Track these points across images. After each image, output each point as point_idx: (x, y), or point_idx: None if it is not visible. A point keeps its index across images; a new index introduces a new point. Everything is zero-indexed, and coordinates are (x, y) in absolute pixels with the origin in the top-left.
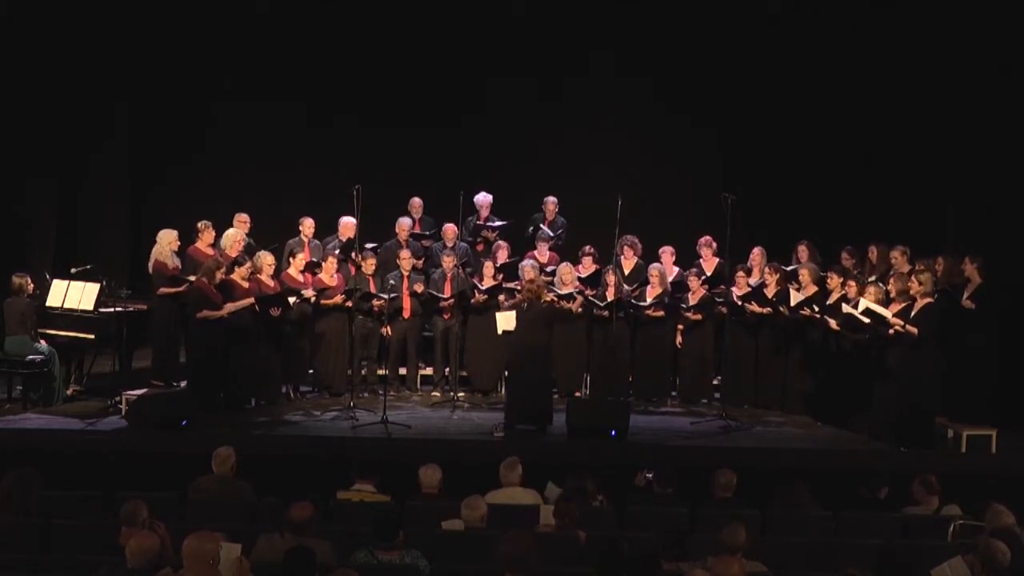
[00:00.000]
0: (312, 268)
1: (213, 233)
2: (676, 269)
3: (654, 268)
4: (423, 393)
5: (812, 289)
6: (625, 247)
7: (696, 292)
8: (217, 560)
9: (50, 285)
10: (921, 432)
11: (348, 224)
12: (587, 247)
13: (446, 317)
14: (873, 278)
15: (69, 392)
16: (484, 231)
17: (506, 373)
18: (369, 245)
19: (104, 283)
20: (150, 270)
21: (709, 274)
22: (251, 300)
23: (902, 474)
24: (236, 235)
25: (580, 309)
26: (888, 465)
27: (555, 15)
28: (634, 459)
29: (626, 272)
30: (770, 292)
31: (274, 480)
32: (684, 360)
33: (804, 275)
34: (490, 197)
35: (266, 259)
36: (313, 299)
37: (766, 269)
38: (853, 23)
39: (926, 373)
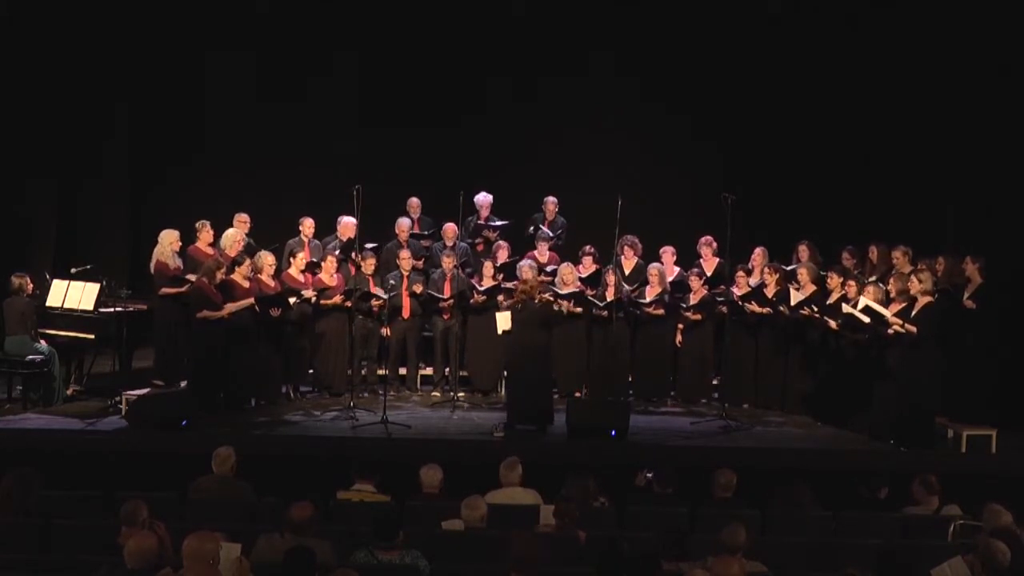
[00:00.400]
0: (312, 268)
1: (212, 232)
2: (676, 269)
3: (653, 267)
4: (423, 393)
5: (811, 288)
6: (625, 247)
7: (697, 292)
8: (217, 560)
9: (50, 285)
10: (921, 432)
11: (348, 224)
12: (587, 247)
13: (446, 317)
14: (874, 278)
15: (69, 392)
16: (485, 231)
17: (505, 374)
18: (369, 245)
19: (104, 283)
20: (151, 270)
21: (709, 274)
22: (251, 300)
23: (902, 474)
24: (236, 235)
25: (576, 309)
26: (888, 465)
27: (555, 15)
28: (634, 459)
29: (626, 272)
30: (770, 292)
31: (274, 480)
32: (684, 360)
33: (803, 274)
34: (490, 197)
35: (267, 259)
36: (313, 299)
37: (765, 269)
38: (853, 23)
39: (926, 373)
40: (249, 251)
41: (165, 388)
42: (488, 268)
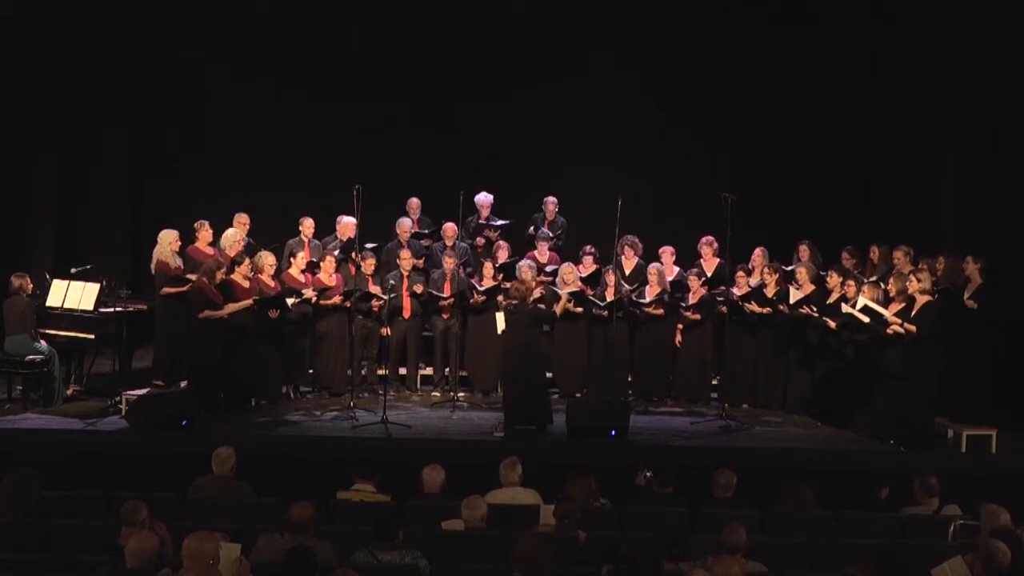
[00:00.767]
0: (312, 268)
1: (210, 232)
2: (676, 269)
3: (653, 267)
4: (423, 393)
5: (810, 288)
6: (625, 247)
7: (696, 292)
8: (217, 560)
9: (50, 285)
10: (921, 432)
11: (348, 224)
12: (588, 247)
13: (445, 317)
14: (874, 278)
15: (69, 392)
16: (486, 231)
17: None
18: (369, 245)
19: (104, 283)
20: (152, 270)
21: (710, 274)
22: (251, 301)
23: (902, 474)
24: (236, 235)
25: (576, 309)
26: (888, 465)
27: (555, 15)
28: (634, 459)
29: (626, 272)
30: (770, 292)
31: (274, 480)
32: (684, 360)
33: (802, 274)
34: (490, 197)
35: (267, 259)
36: (313, 299)
37: (765, 269)
38: (853, 22)
39: (926, 373)
40: (249, 251)
41: (165, 388)
42: (488, 268)
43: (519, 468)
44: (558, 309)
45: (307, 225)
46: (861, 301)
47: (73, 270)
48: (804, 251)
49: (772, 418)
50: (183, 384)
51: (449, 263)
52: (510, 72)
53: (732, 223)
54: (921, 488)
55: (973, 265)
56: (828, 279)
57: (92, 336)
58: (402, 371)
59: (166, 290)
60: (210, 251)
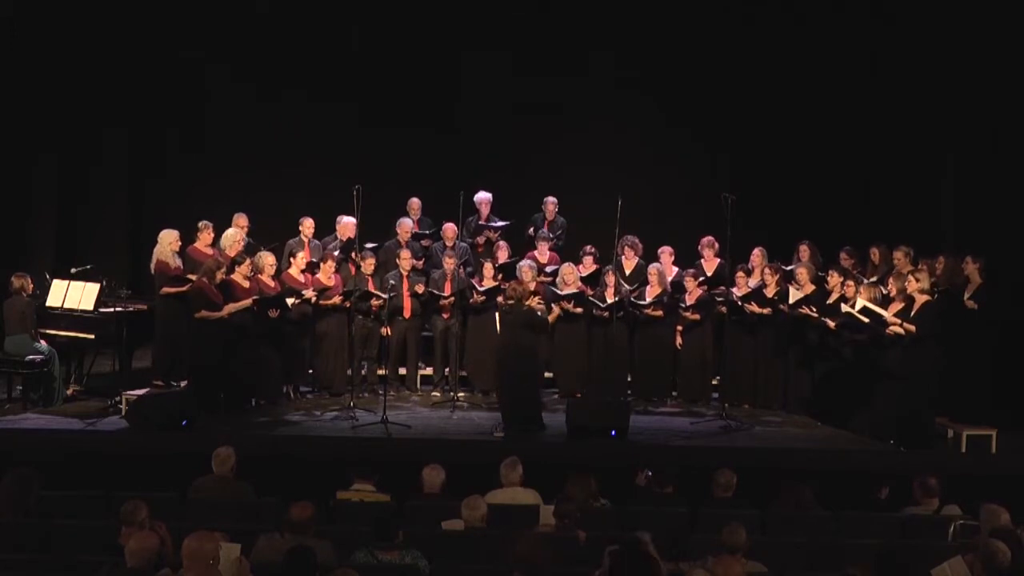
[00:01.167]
0: (313, 268)
1: (212, 235)
2: (675, 269)
3: (653, 268)
4: (423, 393)
5: (810, 288)
6: (626, 247)
7: (693, 292)
8: (217, 560)
9: (50, 285)
10: (921, 432)
11: (348, 224)
12: (588, 247)
13: (446, 316)
14: (874, 279)
15: (69, 392)
16: (486, 231)
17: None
18: (369, 245)
19: (104, 283)
20: (152, 270)
21: (710, 274)
22: (251, 301)
23: (902, 474)
24: (236, 235)
25: (577, 309)
26: (888, 465)
27: (555, 15)
28: (634, 459)
29: (627, 272)
30: (770, 292)
31: (274, 480)
32: (684, 360)
33: (802, 274)
34: (490, 196)
35: (267, 259)
36: (313, 300)
37: (766, 269)
38: (853, 22)
39: (926, 373)
40: (249, 251)
41: (165, 388)
42: (488, 268)
43: (520, 468)
44: (551, 318)
45: (307, 225)
46: (860, 302)
47: (73, 270)
48: (804, 251)
49: (772, 418)
50: (183, 384)
51: (449, 263)
52: (510, 72)
53: (732, 223)
54: (921, 488)
55: (972, 265)
56: (828, 279)
57: (92, 336)
58: (402, 371)
59: (166, 290)
60: (210, 251)
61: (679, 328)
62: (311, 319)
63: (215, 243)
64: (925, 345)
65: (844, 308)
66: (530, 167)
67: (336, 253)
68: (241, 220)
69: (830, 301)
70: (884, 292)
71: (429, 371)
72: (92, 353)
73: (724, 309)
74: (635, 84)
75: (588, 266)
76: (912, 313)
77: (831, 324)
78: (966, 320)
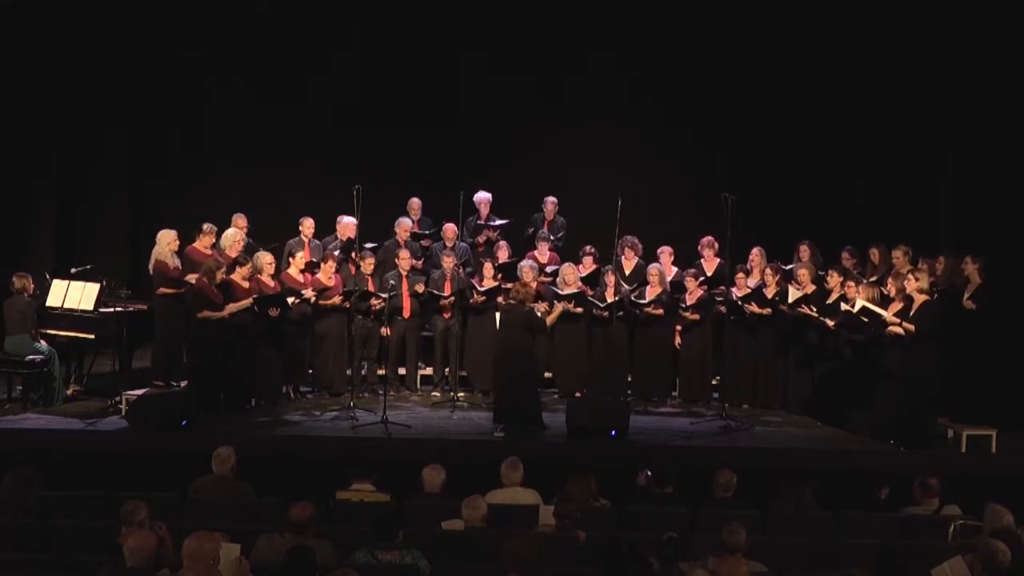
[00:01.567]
0: (312, 268)
1: (214, 239)
2: (675, 269)
3: (653, 268)
4: (423, 393)
5: (810, 288)
6: (626, 248)
7: (693, 292)
8: (217, 560)
9: (50, 285)
10: (921, 432)
11: (348, 224)
12: (588, 247)
13: (446, 316)
14: (874, 279)
15: (69, 392)
16: (486, 230)
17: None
18: (368, 245)
19: (104, 283)
20: (151, 270)
21: (710, 275)
22: (252, 301)
23: (902, 474)
24: (236, 235)
25: (577, 309)
26: (888, 465)
27: (555, 15)
28: (634, 459)
29: (627, 272)
30: (770, 292)
31: (274, 480)
32: (684, 360)
33: (803, 274)
34: (490, 196)
35: (265, 259)
36: (313, 300)
37: (766, 269)
38: (853, 22)
39: (926, 373)
40: (249, 251)
41: (165, 388)
42: (488, 269)
43: (521, 468)
44: (549, 320)
45: (307, 225)
46: (859, 303)
47: (73, 270)
48: (804, 251)
49: (772, 418)
50: (183, 384)
51: (448, 262)
52: (510, 72)
53: (732, 223)
54: (921, 489)
55: (972, 265)
56: (828, 279)
57: (92, 336)
58: (401, 371)
59: (162, 290)
60: (209, 252)
61: (679, 328)
62: (311, 319)
63: (215, 244)
64: (925, 345)
65: (843, 307)
66: (530, 167)
67: (336, 253)
68: (240, 220)
69: (830, 301)
70: (883, 292)
71: (429, 371)
72: (92, 353)
73: (724, 309)
74: (635, 84)
75: (588, 266)
76: (911, 313)
77: (830, 324)
78: (966, 320)
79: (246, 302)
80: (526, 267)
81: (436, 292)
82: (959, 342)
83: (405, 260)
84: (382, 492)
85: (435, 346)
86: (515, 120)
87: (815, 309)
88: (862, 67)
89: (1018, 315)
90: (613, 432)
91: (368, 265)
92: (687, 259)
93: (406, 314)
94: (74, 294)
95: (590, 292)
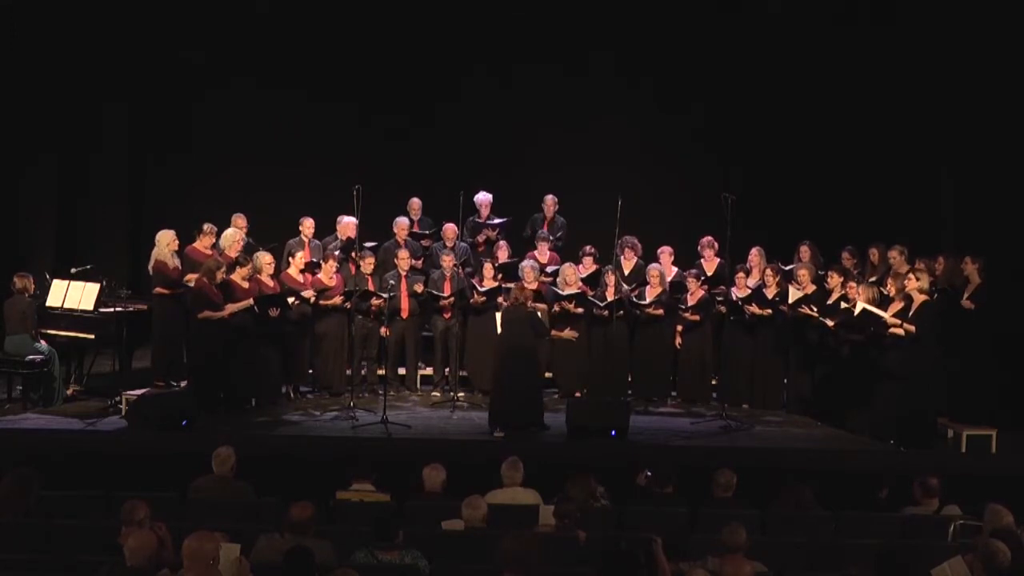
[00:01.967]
0: (312, 268)
1: (214, 239)
2: (675, 269)
3: (653, 268)
4: (423, 393)
5: (811, 288)
6: (626, 248)
7: (695, 293)
8: (217, 560)
9: (50, 285)
10: (921, 432)
11: (348, 224)
12: (588, 247)
13: (446, 316)
14: (873, 279)
15: (69, 392)
16: (485, 229)
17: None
18: (368, 244)
19: (104, 283)
20: (150, 270)
21: (710, 274)
22: (252, 301)
23: (902, 474)
24: (235, 235)
25: (577, 310)
26: (888, 465)
27: (555, 15)
28: (634, 459)
29: (626, 272)
30: (770, 292)
31: (274, 480)
32: (684, 360)
33: (803, 275)
34: (490, 196)
35: (264, 258)
36: (313, 300)
37: (767, 270)
38: (854, 22)
39: (926, 373)
40: (248, 250)
41: (165, 388)
42: (488, 269)
43: (521, 468)
44: (554, 334)
45: (307, 225)
46: (859, 306)
47: (73, 270)
48: (805, 252)
49: (772, 418)
50: (183, 384)
51: (448, 262)
52: (511, 72)
53: (732, 223)
54: (921, 488)
55: (972, 265)
56: (828, 279)
57: (92, 336)
58: (401, 371)
59: (158, 290)
60: (209, 252)
61: (679, 328)
62: (311, 319)
63: (215, 244)
64: (925, 345)
65: (843, 306)
66: (530, 167)
67: (336, 253)
68: (240, 220)
69: (830, 301)
70: (883, 292)
71: (429, 371)
72: (92, 353)
73: (723, 309)
74: (635, 84)
75: (588, 266)
76: (911, 313)
77: (829, 323)
78: (966, 320)
79: (246, 303)
80: (527, 267)
81: (435, 292)
82: (959, 342)
83: (404, 261)
84: (382, 492)
85: (435, 346)
86: (515, 120)
87: (815, 309)
88: (862, 67)
89: (1018, 315)
90: (613, 432)
91: (368, 265)
92: (687, 259)
93: (404, 314)
94: (74, 294)
95: (590, 292)
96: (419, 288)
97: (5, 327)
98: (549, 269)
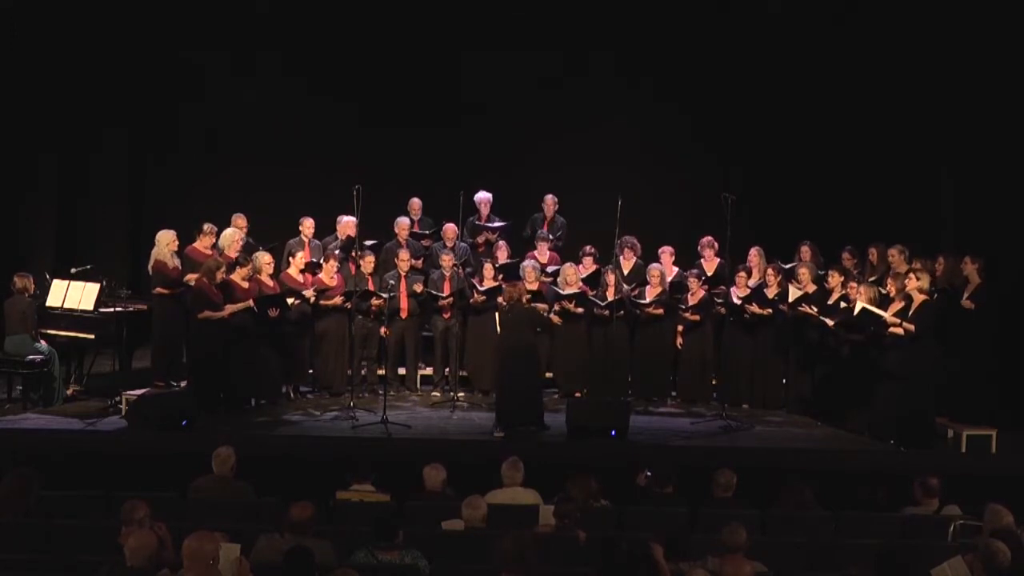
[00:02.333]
0: (312, 268)
1: (214, 239)
2: (676, 269)
3: (654, 268)
4: (423, 393)
5: (812, 288)
6: (625, 248)
7: (696, 293)
8: (217, 560)
9: (50, 285)
10: (921, 432)
11: (348, 223)
12: (588, 247)
13: (446, 316)
14: (873, 279)
15: (69, 392)
16: (484, 231)
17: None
18: (368, 243)
19: (104, 283)
20: (150, 270)
21: (710, 275)
22: (251, 302)
23: (902, 474)
24: (234, 235)
25: (578, 309)
26: (888, 465)
27: (555, 15)
28: (634, 459)
29: (625, 272)
30: (771, 292)
31: (274, 480)
32: (684, 360)
33: (804, 274)
34: (490, 196)
35: (263, 258)
36: (313, 299)
37: (768, 269)
38: (854, 22)
39: (925, 373)
40: (247, 250)
41: (165, 388)
42: (488, 269)
43: (522, 468)
44: (554, 318)
45: (307, 225)
46: (859, 306)
47: (73, 270)
48: (805, 252)
49: (772, 418)
50: (183, 384)
51: (447, 261)
52: (510, 72)
53: (732, 223)
54: (921, 488)
55: (971, 265)
56: (828, 279)
57: (92, 336)
58: (401, 371)
59: (158, 290)
60: (209, 252)
61: (680, 328)
62: (311, 319)
63: (215, 244)
64: (925, 345)
65: (843, 306)
66: (530, 167)
67: (337, 252)
68: (240, 220)
69: (830, 301)
70: (882, 292)
71: (429, 371)
72: (92, 353)
73: (723, 310)
74: (635, 84)
75: (588, 266)
76: (911, 313)
77: (829, 323)
78: (965, 320)
79: (246, 303)
80: (529, 267)
81: (435, 293)
82: (959, 342)
83: (404, 261)
84: (382, 492)
85: (435, 346)
86: (515, 120)
87: (815, 309)
88: (862, 67)
89: (1017, 315)
90: (613, 432)
91: (368, 263)
92: (687, 259)
93: (404, 314)
94: (74, 294)
95: (591, 292)
96: (419, 288)
97: (5, 327)
98: (549, 269)
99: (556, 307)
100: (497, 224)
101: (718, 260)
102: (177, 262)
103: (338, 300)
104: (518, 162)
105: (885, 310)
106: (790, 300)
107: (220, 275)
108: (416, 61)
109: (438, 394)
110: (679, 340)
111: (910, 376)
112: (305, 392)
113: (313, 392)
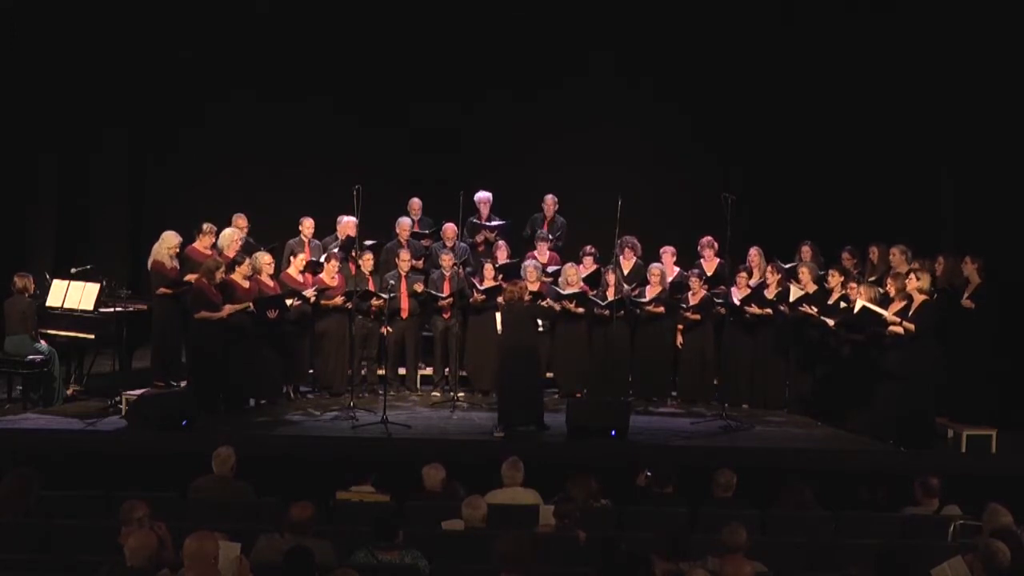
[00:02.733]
0: (312, 268)
1: (214, 239)
2: (676, 269)
3: (655, 267)
4: (423, 393)
5: (812, 287)
6: (625, 248)
7: (697, 293)
8: (217, 560)
9: (50, 285)
10: (921, 432)
11: (348, 223)
12: (588, 247)
13: (446, 316)
14: (873, 279)
15: (69, 392)
16: (483, 230)
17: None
18: (368, 243)
19: (104, 283)
20: (149, 267)
21: (710, 275)
22: (250, 304)
23: (902, 474)
24: (234, 235)
25: (578, 309)
26: (888, 465)
27: (555, 15)
28: (634, 459)
29: (625, 272)
30: (771, 292)
31: (274, 480)
32: (684, 360)
33: (804, 274)
34: (490, 196)
35: (263, 258)
36: (313, 299)
37: (768, 269)
38: (854, 22)
39: (926, 373)
40: (247, 250)
41: (165, 388)
42: (488, 269)
43: (522, 468)
44: (557, 306)
45: (307, 225)
46: (859, 304)
47: (73, 270)
48: (806, 252)
49: (772, 418)
50: (183, 384)
51: (447, 261)
52: (511, 72)
53: (732, 223)
54: (921, 488)
55: (971, 265)
56: (829, 279)
57: (92, 336)
58: (401, 371)
59: (162, 290)
60: (209, 252)
61: (680, 328)
62: (311, 319)
63: (215, 244)
64: (925, 345)
65: (843, 307)
66: (530, 167)
67: (337, 252)
68: (240, 220)
69: (831, 301)
70: (882, 292)
71: (429, 371)
72: (92, 353)
73: (723, 310)
74: (635, 83)
75: (588, 266)
76: (911, 313)
77: (829, 323)
78: (965, 320)
79: (244, 304)
80: (530, 267)
81: (434, 293)
82: (959, 342)
83: (405, 261)
84: (382, 492)
85: (435, 346)
86: (515, 120)
87: (816, 309)
88: (862, 67)
89: (1017, 315)
90: (613, 432)
91: (367, 263)
92: (687, 259)
93: (404, 314)
94: (74, 294)
95: (591, 292)
96: (419, 288)
97: (5, 327)
98: (549, 269)
99: (557, 307)
100: (496, 223)
101: (718, 260)
102: (175, 263)
103: (339, 300)
104: (518, 162)
105: (885, 310)
106: (790, 300)
107: (219, 275)
108: (416, 61)
109: (438, 394)
110: (679, 340)
111: (910, 376)
112: (305, 392)
113: (313, 392)
